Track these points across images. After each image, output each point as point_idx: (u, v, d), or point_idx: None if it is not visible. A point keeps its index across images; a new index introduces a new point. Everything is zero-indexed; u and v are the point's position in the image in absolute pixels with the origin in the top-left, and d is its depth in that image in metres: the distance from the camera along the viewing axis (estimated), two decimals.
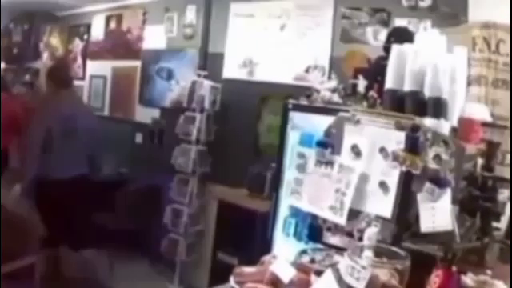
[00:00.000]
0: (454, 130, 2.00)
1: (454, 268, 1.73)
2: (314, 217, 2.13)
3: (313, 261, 2.08)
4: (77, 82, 8.01)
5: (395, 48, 2.16)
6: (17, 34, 9.39)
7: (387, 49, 2.48)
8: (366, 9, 4.47)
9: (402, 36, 2.65)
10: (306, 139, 2.66)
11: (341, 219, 1.99)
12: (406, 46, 2.16)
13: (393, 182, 1.90)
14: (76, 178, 4.84)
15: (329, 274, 1.68)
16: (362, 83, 3.22)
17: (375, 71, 2.87)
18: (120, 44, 7.16)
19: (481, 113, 2.30)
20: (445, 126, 1.95)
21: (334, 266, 1.78)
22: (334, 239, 2.13)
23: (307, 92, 3.56)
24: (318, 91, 3.51)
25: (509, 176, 2.18)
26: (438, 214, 1.80)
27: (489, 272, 1.88)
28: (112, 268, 5.58)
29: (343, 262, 1.68)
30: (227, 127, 5.44)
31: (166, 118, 6.21)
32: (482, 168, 2.11)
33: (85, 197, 4.87)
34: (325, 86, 3.57)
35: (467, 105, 2.22)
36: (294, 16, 4.97)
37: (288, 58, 4.95)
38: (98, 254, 5.68)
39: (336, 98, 3.45)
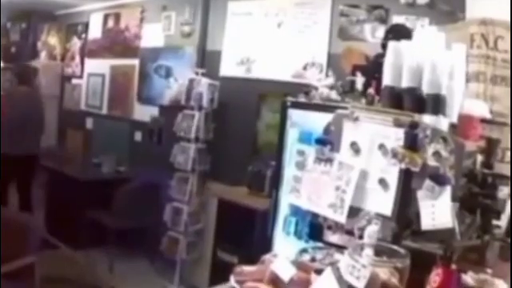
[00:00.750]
0: (453, 126, 1.99)
1: (454, 266, 1.72)
2: (315, 215, 2.12)
3: (313, 259, 2.08)
4: (75, 81, 8.06)
5: (392, 45, 2.15)
6: (15, 33, 9.39)
7: (385, 46, 2.48)
8: (364, 6, 4.47)
9: (400, 33, 2.65)
10: (305, 136, 2.66)
11: (341, 217, 1.98)
12: (404, 43, 2.15)
13: (392, 179, 1.89)
14: (27, 156, 6.09)
15: (329, 272, 1.68)
16: (359, 80, 3.22)
17: (373, 68, 2.86)
18: (118, 42, 7.16)
19: (480, 109, 2.29)
20: (444, 123, 1.95)
21: (334, 264, 1.77)
22: (334, 237, 2.12)
23: (305, 89, 3.56)
24: (316, 88, 3.51)
25: (509, 173, 2.17)
26: (438, 211, 1.80)
27: (489, 271, 1.88)
28: (112, 267, 5.59)
29: (343, 260, 1.67)
30: (226, 125, 5.44)
31: (164, 115, 6.21)
32: (482, 165, 2.11)
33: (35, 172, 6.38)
34: (322, 83, 3.57)
35: (466, 101, 2.22)
36: (292, 13, 4.97)
37: (286, 56, 4.95)
38: (98, 253, 5.68)
39: (334, 95, 3.44)
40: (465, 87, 2.26)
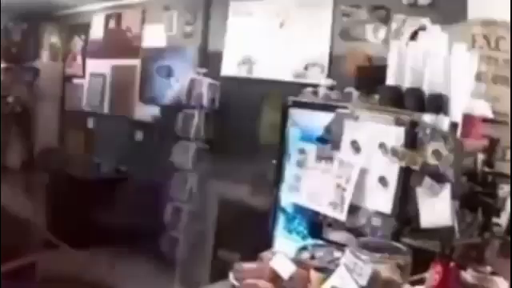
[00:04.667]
0: (455, 125, 1.99)
1: (454, 264, 1.73)
2: (315, 213, 2.13)
3: (313, 257, 2.08)
4: (76, 81, 8.07)
5: (395, 44, 2.16)
6: (16, 34, 9.38)
7: None
8: (366, 6, 4.46)
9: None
10: (306, 135, 2.65)
11: (341, 215, 1.99)
12: (407, 43, 2.15)
13: (392, 177, 1.90)
14: None
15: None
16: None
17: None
18: (120, 42, 7.15)
19: (481, 109, 2.29)
20: (444, 122, 1.95)
21: (334, 261, 1.78)
22: (334, 235, 2.13)
23: (313, 88, 3.55)
24: (315, 87, 3.51)
25: (509, 172, 2.17)
26: (437, 209, 1.80)
27: (489, 268, 1.88)
28: (112, 266, 5.59)
29: (345, 258, 1.68)
30: (227, 125, 5.43)
31: (165, 115, 6.20)
32: (483, 163, 2.11)
33: None
34: (323, 83, 3.57)
35: (468, 101, 2.22)
36: (293, 14, 4.96)
37: (287, 56, 4.94)
38: (98, 253, 5.68)
39: (334, 95, 3.44)
40: (470, 87, 2.26)
